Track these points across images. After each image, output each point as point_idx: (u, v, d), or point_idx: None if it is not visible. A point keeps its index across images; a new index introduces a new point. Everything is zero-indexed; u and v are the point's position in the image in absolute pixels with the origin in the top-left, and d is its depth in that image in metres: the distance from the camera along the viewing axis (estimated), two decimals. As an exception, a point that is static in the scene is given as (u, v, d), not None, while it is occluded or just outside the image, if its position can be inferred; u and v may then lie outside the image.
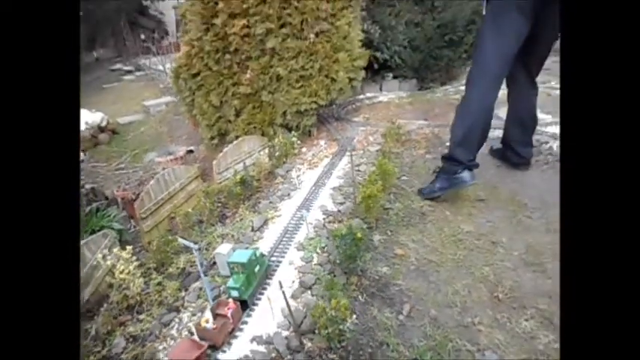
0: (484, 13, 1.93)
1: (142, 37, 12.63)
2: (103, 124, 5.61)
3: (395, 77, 4.92)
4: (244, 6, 2.80)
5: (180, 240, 1.59)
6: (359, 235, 1.56)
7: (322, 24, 2.83)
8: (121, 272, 1.65)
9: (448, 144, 2.19)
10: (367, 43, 4.19)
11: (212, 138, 3.36)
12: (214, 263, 1.82)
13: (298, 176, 2.64)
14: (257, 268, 1.58)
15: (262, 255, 1.67)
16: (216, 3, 2.88)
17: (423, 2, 4.63)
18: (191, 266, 1.90)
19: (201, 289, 1.69)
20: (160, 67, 9.18)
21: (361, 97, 4.71)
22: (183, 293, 1.72)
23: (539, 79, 2.28)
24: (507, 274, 1.59)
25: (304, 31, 2.82)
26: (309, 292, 1.57)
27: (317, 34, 2.85)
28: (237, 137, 3.15)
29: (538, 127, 2.96)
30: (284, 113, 3.06)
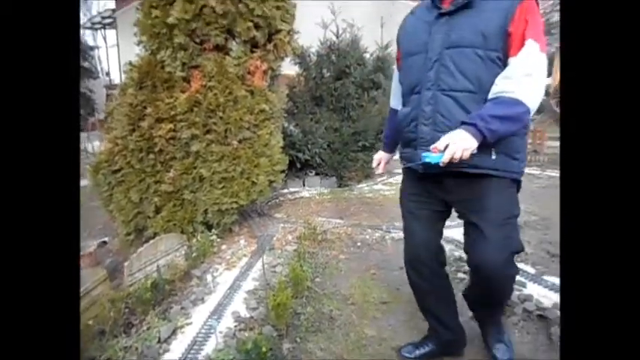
0: None
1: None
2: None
3: (317, 174, 5.32)
4: (172, 112, 3.00)
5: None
6: (264, 349, 1.61)
7: (245, 132, 3.11)
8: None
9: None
10: (290, 145, 4.58)
11: (128, 234, 3.27)
12: (111, 384, 1.70)
13: (215, 278, 2.64)
14: (156, 391, 1.52)
15: (164, 374, 1.61)
16: (145, 107, 3.04)
17: (340, 111, 5.28)
18: (83, 389, 1.75)
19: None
20: (82, 147, 8.83)
21: (285, 191, 4.97)
22: None
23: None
24: (402, 381, 1.72)
25: (228, 138, 3.05)
26: (211, 414, 1.53)
27: (240, 141, 3.10)
28: (155, 234, 3.10)
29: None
30: (205, 211, 3.14)
